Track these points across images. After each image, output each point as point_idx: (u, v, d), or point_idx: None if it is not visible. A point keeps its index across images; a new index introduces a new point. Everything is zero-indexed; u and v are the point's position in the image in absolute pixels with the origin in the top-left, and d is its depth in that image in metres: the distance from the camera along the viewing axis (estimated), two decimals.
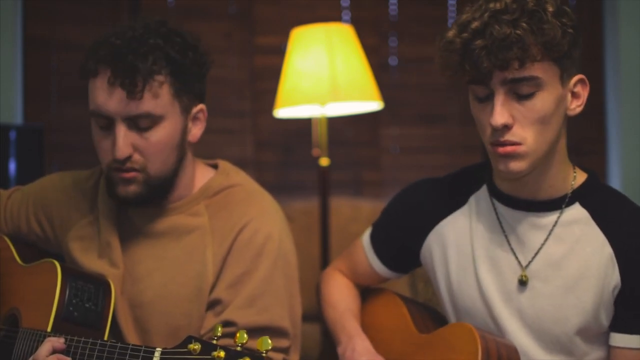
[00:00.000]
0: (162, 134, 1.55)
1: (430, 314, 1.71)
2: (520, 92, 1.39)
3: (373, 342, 1.65)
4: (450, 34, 1.42)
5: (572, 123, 1.48)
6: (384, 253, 1.71)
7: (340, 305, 1.71)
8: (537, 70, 1.37)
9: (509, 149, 1.40)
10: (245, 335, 1.18)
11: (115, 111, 1.52)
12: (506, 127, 1.40)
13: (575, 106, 1.45)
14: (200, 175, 1.69)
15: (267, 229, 1.61)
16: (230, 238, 1.59)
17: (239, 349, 1.17)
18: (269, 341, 1.17)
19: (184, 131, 1.59)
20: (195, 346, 1.20)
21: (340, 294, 1.74)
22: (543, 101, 1.39)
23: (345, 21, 3.79)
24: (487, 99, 1.42)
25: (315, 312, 1.85)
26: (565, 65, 1.40)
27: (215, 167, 1.73)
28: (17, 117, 3.35)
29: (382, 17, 3.86)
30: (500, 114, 1.39)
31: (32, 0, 3.45)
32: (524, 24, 1.35)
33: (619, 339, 1.44)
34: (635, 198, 1.52)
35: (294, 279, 1.64)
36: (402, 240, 1.67)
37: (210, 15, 3.78)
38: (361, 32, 3.19)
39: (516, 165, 1.42)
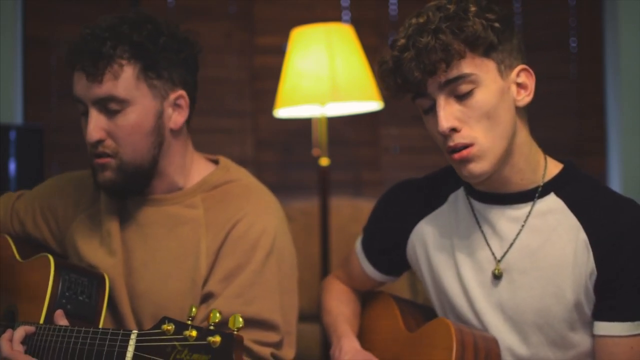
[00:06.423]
0: (131, 117, 1.56)
1: (422, 312, 1.72)
2: (459, 92, 1.41)
3: (369, 344, 1.67)
4: (385, 56, 1.46)
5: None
6: (374, 257, 1.72)
7: (334, 310, 1.74)
8: (467, 67, 1.40)
9: (464, 153, 1.42)
10: (218, 315, 1.19)
11: (82, 95, 1.56)
12: (454, 131, 1.41)
13: (524, 96, 1.46)
14: (200, 168, 1.70)
15: (262, 223, 1.60)
16: (224, 231, 1.59)
17: (212, 327, 1.18)
18: (240, 319, 1.17)
19: (159, 117, 1.60)
20: (169, 327, 1.22)
21: (335, 301, 1.77)
22: (484, 96, 1.41)
23: (345, 21, 3.79)
24: (432, 110, 1.44)
25: (315, 312, 1.85)
26: (499, 58, 1.42)
27: (216, 162, 1.74)
28: (17, 117, 3.35)
29: (382, 17, 3.86)
30: (444, 119, 1.41)
31: (32, 0, 3.45)
32: (444, 28, 1.39)
33: (601, 328, 1.43)
34: (635, 198, 1.51)
35: (289, 276, 1.63)
36: (388, 242, 1.69)
37: (210, 15, 3.78)
38: (361, 32, 3.19)
39: (477, 167, 1.43)
